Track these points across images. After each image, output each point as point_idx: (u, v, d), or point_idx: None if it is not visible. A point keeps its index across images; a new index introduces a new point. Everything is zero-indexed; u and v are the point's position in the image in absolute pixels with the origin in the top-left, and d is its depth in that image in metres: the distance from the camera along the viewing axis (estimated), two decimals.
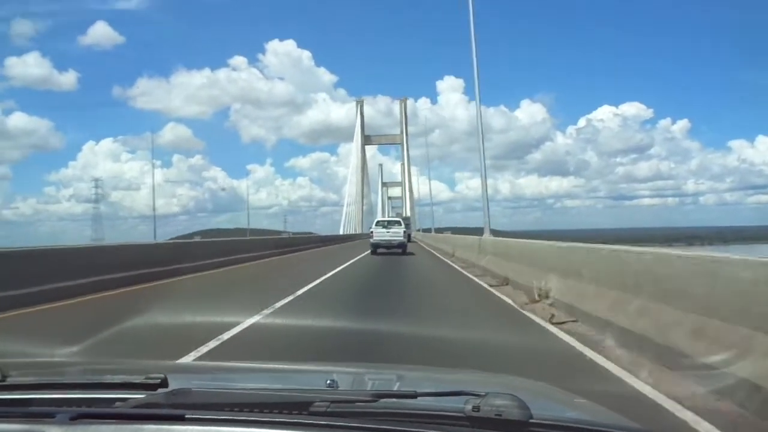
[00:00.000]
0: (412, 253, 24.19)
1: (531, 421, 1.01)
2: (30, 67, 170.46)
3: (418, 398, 1.15)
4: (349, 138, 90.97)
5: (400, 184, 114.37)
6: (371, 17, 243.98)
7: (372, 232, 24.05)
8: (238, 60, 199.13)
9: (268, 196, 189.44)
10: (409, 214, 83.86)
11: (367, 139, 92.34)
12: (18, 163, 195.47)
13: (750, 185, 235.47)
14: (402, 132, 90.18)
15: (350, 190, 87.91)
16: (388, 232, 23.67)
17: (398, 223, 25.39)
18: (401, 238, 23.58)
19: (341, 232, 76.21)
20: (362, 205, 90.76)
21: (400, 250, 23.17)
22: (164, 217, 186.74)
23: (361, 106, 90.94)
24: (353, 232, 79.19)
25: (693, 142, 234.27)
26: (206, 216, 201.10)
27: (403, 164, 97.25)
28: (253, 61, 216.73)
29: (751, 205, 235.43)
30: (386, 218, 33.74)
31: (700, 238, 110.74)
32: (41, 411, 1.12)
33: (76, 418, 1.07)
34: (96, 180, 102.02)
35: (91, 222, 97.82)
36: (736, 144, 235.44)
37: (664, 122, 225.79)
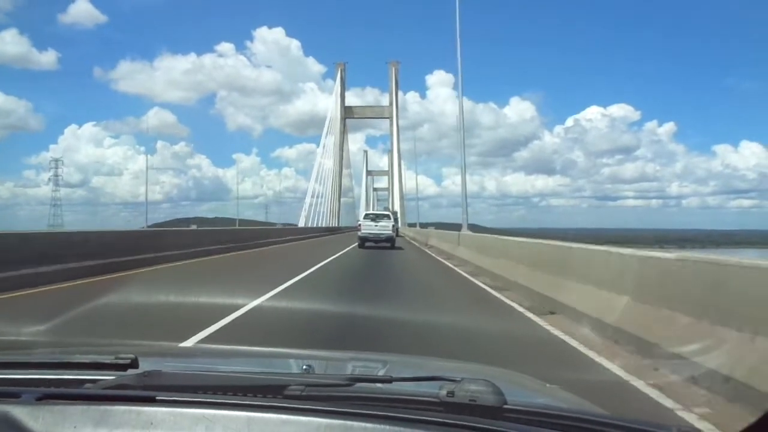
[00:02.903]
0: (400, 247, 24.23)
1: (505, 406, 0.99)
2: (7, 44, 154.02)
3: (393, 383, 1.15)
4: (338, 129, 71.99)
5: (387, 173, 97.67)
6: (362, 8, 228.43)
7: (360, 224, 24.35)
8: (225, 46, 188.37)
9: (253, 186, 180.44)
10: (397, 207, 66.78)
11: (348, 111, 74.59)
12: None
13: (733, 189, 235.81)
14: (391, 103, 72.15)
15: (323, 173, 69.32)
16: (376, 225, 23.43)
17: (387, 216, 24.98)
18: (390, 232, 23.31)
19: (301, 224, 58.05)
20: (339, 192, 72.53)
21: (388, 245, 23.02)
22: (145, 204, 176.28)
23: (342, 71, 72.96)
24: (327, 225, 61.36)
25: (678, 145, 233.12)
26: (190, 204, 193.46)
27: (390, 152, 79.91)
28: (240, 48, 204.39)
29: (733, 209, 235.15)
30: (375, 211, 31.82)
31: (691, 241, 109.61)
32: (6, 391, 1.06)
33: (43, 399, 1.02)
34: (56, 160, 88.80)
35: (50, 207, 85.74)
36: (720, 148, 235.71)
37: (651, 124, 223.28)
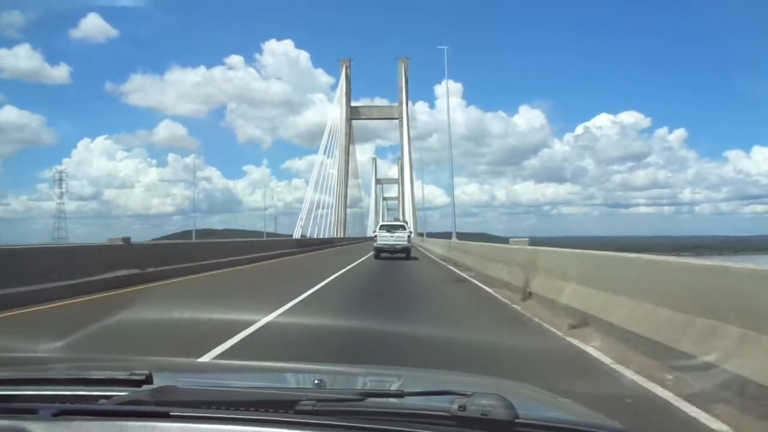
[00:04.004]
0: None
1: (517, 421, 0.98)
2: (20, 59, 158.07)
3: (405, 398, 1.16)
4: (343, 132, 65.24)
5: (396, 181, 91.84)
6: (369, 18, 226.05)
7: (376, 235, 23.99)
8: (235, 59, 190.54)
9: (263, 197, 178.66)
10: (408, 216, 61.06)
11: (354, 112, 68.50)
12: (8, 159, 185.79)
13: (746, 195, 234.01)
14: (401, 103, 66.10)
15: (327, 182, 63.09)
16: (392, 236, 23.13)
17: (402, 227, 24.74)
18: (405, 243, 23.09)
19: (296, 236, 52.09)
20: (345, 201, 66.35)
21: (403, 255, 22.57)
22: (158, 216, 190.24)
23: (348, 68, 66.94)
24: (329, 236, 55.25)
25: (690, 151, 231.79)
26: (201, 216, 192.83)
27: (401, 158, 73.87)
28: (249, 60, 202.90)
29: (746, 215, 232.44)
30: (390, 222, 29.49)
31: (708, 248, 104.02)
32: (23, 407, 1.09)
33: (59, 414, 1.03)
34: (60, 172, 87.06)
35: (54, 219, 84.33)
36: (732, 154, 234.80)
37: (661, 131, 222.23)
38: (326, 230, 60.20)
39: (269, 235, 56.27)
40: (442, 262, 21.47)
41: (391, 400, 1.16)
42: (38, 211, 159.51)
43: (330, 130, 62.54)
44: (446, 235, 44.90)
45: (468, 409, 0.98)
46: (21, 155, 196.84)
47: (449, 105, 22.41)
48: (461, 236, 39.17)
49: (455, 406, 0.99)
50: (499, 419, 0.97)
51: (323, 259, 23.65)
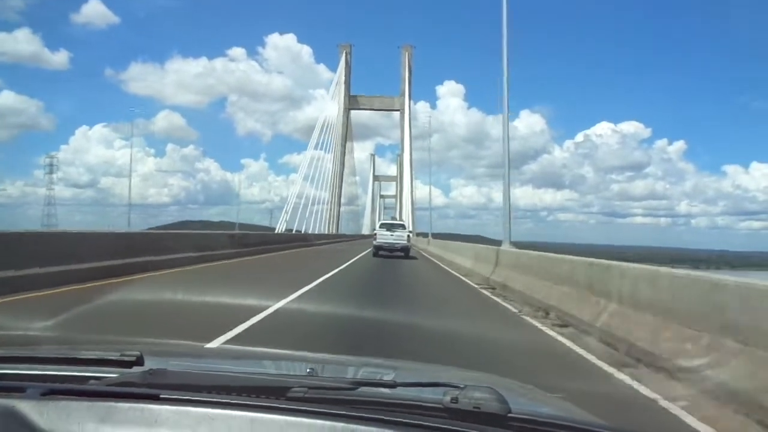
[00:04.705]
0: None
1: (509, 415, 0.98)
2: (20, 43, 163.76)
3: (397, 388, 1.16)
4: (340, 123, 60.75)
5: (395, 179, 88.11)
6: (372, 20, 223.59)
7: (376, 233, 24.46)
8: (237, 51, 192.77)
9: (260, 191, 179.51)
10: (406, 215, 57.57)
11: (353, 102, 64.66)
12: (6, 143, 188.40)
13: (742, 211, 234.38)
14: (402, 94, 62.15)
15: (323, 176, 59.05)
16: (391, 234, 23.31)
17: (402, 226, 25.36)
18: (405, 242, 23.26)
19: (281, 230, 48.59)
20: (339, 194, 62.36)
21: (402, 254, 22.70)
22: (154, 206, 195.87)
23: (348, 54, 62.95)
24: (319, 232, 51.50)
25: (688, 164, 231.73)
26: (197, 208, 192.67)
27: (401, 153, 70.06)
28: (252, 53, 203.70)
29: (742, 231, 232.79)
30: (390, 221, 28.65)
31: (705, 262, 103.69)
32: (11, 385, 1.07)
33: (48, 394, 1.02)
34: (51, 157, 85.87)
35: (44, 206, 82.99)
36: (730, 169, 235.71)
37: (661, 142, 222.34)
38: (318, 226, 56.40)
39: (253, 228, 52.55)
40: (509, 307, 8.66)
41: (383, 390, 1.17)
42: (34, 196, 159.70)
43: (326, 121, 58.53)
44: (449, 237, 39.99)
45: (460, 401, 0.98)
46: (18, 140, 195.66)
47: (506, 59, 13.44)
48: (453, 237, 34.26)
49: (448, 398, 0.99)
50: (491, 412, 0.97)
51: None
